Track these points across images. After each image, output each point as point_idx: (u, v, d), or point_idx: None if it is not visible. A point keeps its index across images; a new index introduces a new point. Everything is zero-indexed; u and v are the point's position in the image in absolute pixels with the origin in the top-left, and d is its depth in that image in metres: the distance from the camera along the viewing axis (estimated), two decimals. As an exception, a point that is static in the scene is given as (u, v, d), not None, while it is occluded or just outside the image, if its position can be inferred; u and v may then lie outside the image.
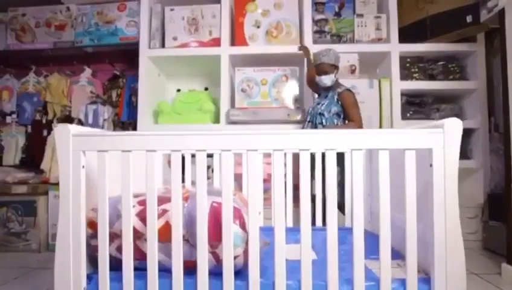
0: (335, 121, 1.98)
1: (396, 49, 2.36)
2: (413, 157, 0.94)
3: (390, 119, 2.34)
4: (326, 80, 2.00)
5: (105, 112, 2.77)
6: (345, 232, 1.32)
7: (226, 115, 2.39)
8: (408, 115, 2.43)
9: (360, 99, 2.32)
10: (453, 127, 0.93)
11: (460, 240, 0.93)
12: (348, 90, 2.00)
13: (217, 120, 2.48)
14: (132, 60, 2.62)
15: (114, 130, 2.80)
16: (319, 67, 2.00)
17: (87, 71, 2.84)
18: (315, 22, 2.45)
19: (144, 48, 2.48)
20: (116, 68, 2.86)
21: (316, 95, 2.23)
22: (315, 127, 2.00)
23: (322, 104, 2.01)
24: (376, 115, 2.35)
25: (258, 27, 2.47)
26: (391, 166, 0.94)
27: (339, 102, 1.99)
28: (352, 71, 2.35)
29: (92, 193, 1.00)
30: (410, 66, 2.45)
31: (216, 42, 2.46)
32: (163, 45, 2.52)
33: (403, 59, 2.42)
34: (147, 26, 2.51)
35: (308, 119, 2.09)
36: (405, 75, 2.42)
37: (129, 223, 0.96)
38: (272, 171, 1.04)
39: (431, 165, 0.93)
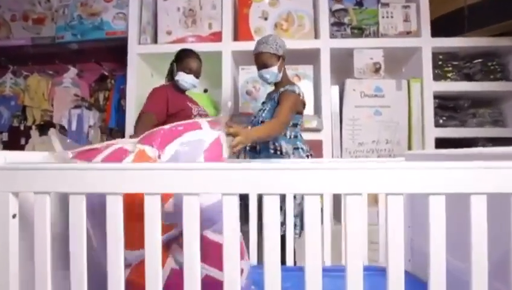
0: None
1: (428, 44, 2.03)
2: (484, 203, 0.60)
3: (421, 127, 2.01)
4: (268, 74, 1.58)
5: (91, 117, 2.47)
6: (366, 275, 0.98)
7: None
8: (441, 121, 2.09)
9: (386, 103, 2.01)
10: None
11: None
12: (293, 91, 1.56)
13: (217, 127, 2.15)
14: (122, 59, 2.29)
15: (101, 137, 2.48)
16: (257, 60, 1.61)
17: (72, 71, 2.53)
18: (332, 13, 2.11)
19: (133, 44, 2.16)
20: (104, 68, 2.54)
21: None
22: None
23: (264, 110, 1.63)
24: (404, 122, 2.02)
25: (266, 19, 2.15)
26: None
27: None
28: (377, 70, 2.02)
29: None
30: (443, 64, 2.12)
31: (217, 37, 2.16)
32: (155, 40, 2.20)
33: (435, 56, 2.08)
34: (137, 19, 2.19)
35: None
36: (437, 74, 2.09)
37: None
38: (265, 216, 0.69)
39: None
